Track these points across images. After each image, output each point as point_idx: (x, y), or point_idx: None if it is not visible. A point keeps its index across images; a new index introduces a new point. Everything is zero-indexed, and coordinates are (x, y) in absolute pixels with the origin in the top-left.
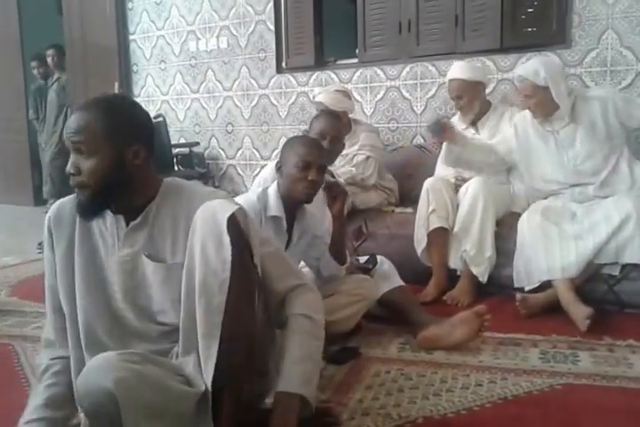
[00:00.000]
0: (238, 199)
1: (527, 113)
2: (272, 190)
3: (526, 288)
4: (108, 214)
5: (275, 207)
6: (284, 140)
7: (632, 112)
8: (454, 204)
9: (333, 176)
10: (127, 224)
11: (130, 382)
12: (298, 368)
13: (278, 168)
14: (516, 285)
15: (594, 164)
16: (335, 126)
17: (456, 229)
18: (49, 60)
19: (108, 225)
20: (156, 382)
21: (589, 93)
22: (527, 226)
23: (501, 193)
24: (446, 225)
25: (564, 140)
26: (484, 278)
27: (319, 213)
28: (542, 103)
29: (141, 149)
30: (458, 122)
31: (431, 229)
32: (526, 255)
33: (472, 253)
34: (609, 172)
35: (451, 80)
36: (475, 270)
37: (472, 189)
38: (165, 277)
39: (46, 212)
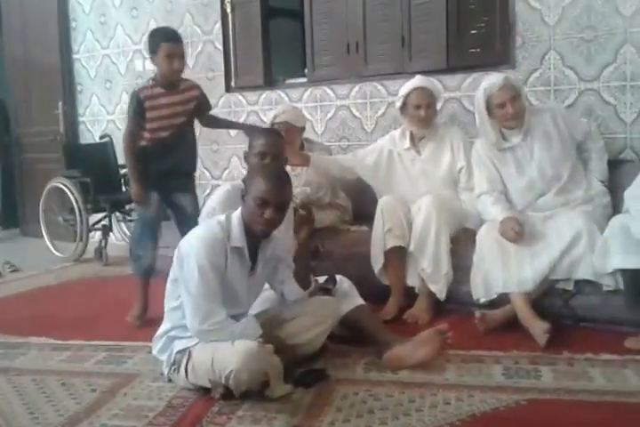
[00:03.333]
0: (200, 228)
1: (481, 142)
2: (235, 218)
3: (482, 300)
4: None
5: (237, 237)
6: (234, 159)
7: (575, 123)
8: (409, 222)
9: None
10: None
11: None
12: None
13: (242, 195)
14: (474, 297)
15: (555, 166)
16: (276, 143)
17: (411, 247)
18: None
19: None
20: None
21: (538, 107)
22: (485, 239)
23: (453, 209)
24: (402, 244)
25: (525, 153)
26: (442, 296)
27: (283, 233)
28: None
29: None
30: (399, 140)
31: (388, 248)
32: (484, 268)
33: (429, 270)
34: (568, 175)
35: (421, 88)
36: (433, 288)
37: (424, 206)
38: None
39: None
